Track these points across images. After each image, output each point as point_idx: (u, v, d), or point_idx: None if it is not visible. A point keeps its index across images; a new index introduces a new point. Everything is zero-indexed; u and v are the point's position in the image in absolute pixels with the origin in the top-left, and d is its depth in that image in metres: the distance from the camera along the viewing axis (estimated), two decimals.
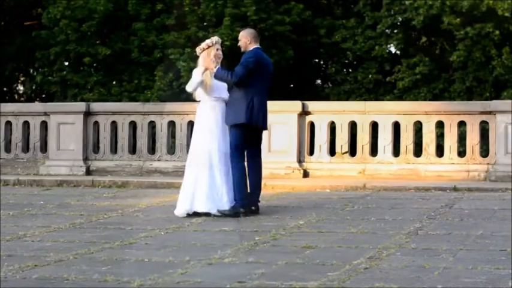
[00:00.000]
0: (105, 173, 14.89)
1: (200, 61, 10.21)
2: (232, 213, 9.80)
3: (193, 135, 10.29)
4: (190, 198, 9.94)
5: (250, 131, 10.07)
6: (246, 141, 10.03)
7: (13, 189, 13.67)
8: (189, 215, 9.88)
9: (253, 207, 10.09)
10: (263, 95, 10.11)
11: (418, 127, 14.72)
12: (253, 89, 9.94)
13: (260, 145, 10.35)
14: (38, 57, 27.58)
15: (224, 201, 9.93)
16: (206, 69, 10.04)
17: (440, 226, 8.89)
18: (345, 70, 29.07)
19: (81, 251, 7.60)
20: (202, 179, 9.95)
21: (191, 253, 7.40)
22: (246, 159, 10.20)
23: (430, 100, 24.51)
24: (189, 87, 10.25)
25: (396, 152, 14.22)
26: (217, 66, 10.06)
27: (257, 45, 10.11)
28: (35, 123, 15.47)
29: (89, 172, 14.98)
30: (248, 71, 9.85)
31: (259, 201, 10.20)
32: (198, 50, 10.29)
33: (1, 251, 7.60)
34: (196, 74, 10.16)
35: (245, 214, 9.85)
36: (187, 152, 10.71)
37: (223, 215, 9.79)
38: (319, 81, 30.71)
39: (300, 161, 14.34)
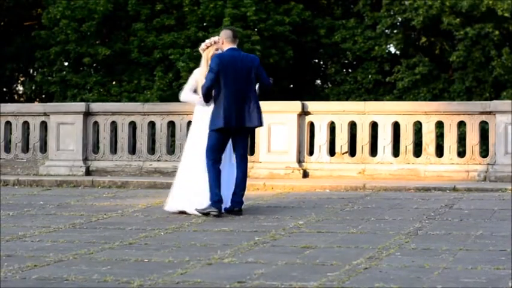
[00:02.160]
0: (104, 173, 14.89)
1: (202, 61, 10.35)
2: (204, 213, 9.83)
3: (190, 136, 10.40)
4: (186, 197, 10.07)
5: (228, 133, 9.99)
6: (222, 143, 9.96)
7: (13, 189, 13.67)
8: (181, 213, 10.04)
9: (235, 208, 10.02)
10: (235, 95, 9.88)
11: (417, 127, 14.72)
12: (223, 92, 9.85)
13: (244, 145, 10.18)
14: (38, 57, 27.58)
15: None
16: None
17: (440, 226, 8.89)
18: (344, 70, 29.11)
19: (80, 251, 7.60)
20: (198, 179, 10.06)
21: (191, 253, 7.41)
22: (235, 159, 10.15)
23: (429, 100, 24.54)
24: (183, 97, 10.46)
25: (396, 152, 14.22)
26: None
27: (232, 46, 10.04)
28: (34, 124, 15.47)
29: (88, 172, 14.98)
30: (212, 79, 9.83)
31: (242, 203, 10.07)
32: (200, 49, 10.44)
33: (1, 251, 7.60)
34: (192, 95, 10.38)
35: (217, 215, 9.77)
36: None
37: (199, 212, 9.86)
38: (318, 81, 30.75)
39: (299, 161, 14.34)
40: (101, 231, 8.94)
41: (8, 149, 15.68)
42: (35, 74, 30.32)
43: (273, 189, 12.88)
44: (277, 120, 14.36)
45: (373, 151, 14.27)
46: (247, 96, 9.98)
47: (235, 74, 9.90)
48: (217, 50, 10.20)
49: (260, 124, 10.14)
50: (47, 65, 27.70)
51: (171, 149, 15.23)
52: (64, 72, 27.20)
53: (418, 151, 14.46)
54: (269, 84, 10.15)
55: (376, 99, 24.92)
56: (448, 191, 12.33)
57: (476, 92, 25.71)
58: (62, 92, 26.89)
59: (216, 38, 10.34)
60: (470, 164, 13.69)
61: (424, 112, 14.10)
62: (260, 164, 14.38)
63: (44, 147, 15.54)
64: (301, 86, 29.00)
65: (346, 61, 29.32)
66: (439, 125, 14.19)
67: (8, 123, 15.66)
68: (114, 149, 15.25)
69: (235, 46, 10.08)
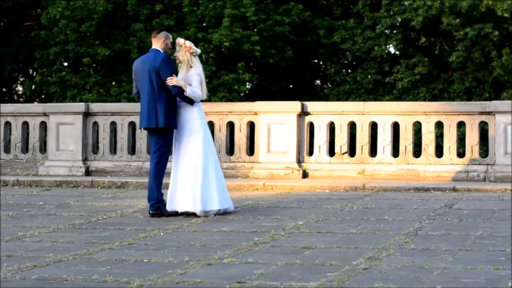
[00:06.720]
0: (104, 174, 14.89)
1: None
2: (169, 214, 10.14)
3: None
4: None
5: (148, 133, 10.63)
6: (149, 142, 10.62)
7: (12, 189, 13.67)
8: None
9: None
10: (143, 97, 10.24)
11: (417, 127, 14.72)
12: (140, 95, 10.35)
13: (154, 145, 10.34)
14: (37, 57, 27.57)
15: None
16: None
17: (440, 226, 8.90)
18: (344, 70, 29.13)
19: (80, 251, 7.60)
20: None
21: (190, 253, 7.41)
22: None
23: (429, 100, 24.57)
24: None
25: (395, 152, 14.22)
26: None
27: (153, 47, 10.31)
28: (34, 124, 15.47)
29: (88, 173, 14.98)
30: (133, 85, 10.44)
31: (153, 205, 10.22)
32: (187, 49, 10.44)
33: (1, 252, 7.60)
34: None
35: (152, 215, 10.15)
36: None
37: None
38: (318, 81, 30.76)
39: (299, 161, 14.34)
40: (101, 231, 8.94)
41: (7, 150, 15.68)
42: (34, 74, 30.31)
43: (273, 190, 12.89)
44: (277, 121, 14.36)
45: (373, 151, 14.27)
46: (152, 97, 10.13)
47: (142, 77, 10.18)
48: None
49: (161, 125, 10.13)
50: (46, 65, 27.69)
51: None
52: (63, 73, 27.19)
53: (417, 151, 14.46)
54: (170, 89, 10.02)
55: (375, 100, 24.94)
56: (447, 191, 12.33)
57: (476, 92, 25.73)
58: (61, 92, 26.88)
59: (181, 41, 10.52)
60: (470, 164, 13.69)
61: (424, 112, 14.10)
62: (260, 165, 14.38)
63: (43, 148, 15.54)
64: (300, 86, 29.02)
65: (346, 61, 29.34)
66: (439, 125, 14.19)
67: (8, 124, 15.66)
68: (113, 149, 15.24)
69: (154, 47, 10.26)
